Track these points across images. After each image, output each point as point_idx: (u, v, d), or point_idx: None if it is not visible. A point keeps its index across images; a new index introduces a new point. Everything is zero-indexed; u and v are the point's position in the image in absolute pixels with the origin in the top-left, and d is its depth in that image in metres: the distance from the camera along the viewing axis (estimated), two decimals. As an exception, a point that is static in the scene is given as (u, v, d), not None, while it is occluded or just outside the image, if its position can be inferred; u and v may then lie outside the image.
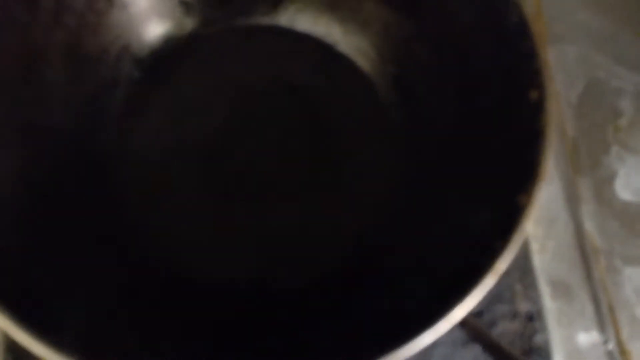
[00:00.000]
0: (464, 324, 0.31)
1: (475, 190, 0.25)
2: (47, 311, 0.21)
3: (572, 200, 0.36)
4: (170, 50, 0.32)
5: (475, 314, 0.32)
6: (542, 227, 0.35)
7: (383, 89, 0.33)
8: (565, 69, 0.39)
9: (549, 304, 0.33)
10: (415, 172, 0.29)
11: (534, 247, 0.35)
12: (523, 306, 0.33)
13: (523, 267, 0.33)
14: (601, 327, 0.33)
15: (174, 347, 0.24)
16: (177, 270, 0.28)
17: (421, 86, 0.31)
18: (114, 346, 0.22)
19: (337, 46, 0.34)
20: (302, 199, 0.31)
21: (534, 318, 0.32)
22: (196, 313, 0.27)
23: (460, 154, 0.27)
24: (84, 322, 0.22)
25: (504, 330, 0.32)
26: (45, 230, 0.25)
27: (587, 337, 0.33)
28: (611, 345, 0.33)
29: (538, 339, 0.32)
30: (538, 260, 0.34)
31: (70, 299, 0.23)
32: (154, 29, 0.32)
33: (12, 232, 0.24)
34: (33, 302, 0.21)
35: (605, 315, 0.34)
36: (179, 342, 0.25)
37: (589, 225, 0.35)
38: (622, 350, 0.33)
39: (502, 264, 0.21)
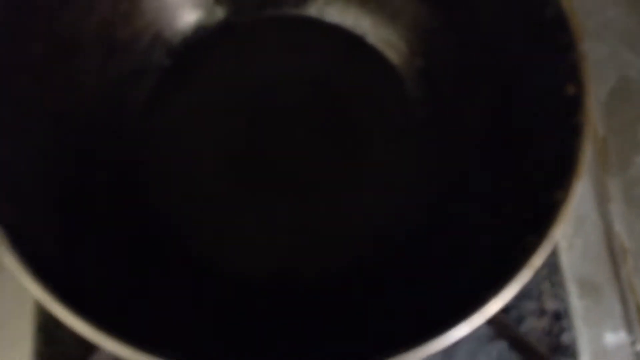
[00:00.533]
0: (491, 320, 0.31)
1: (509, 187, 0.25)
2: (85, 289, 0.21)
3: (602, 200, 0.36)
4: (201, 39, 0.32)
5: (503, 310, 0.31)
6: (570, 226, 0.35)
7: (410, 82, 0.33)
8: (595, 66, 0.38)
9: (577, 303, 0.33)
10: (444, 167, 0.29)
11: (562, 246, 0.34)
12: (550, 304, 0.32)
13: (551, 265, 0.33)
14: (629, 327, 0.33)
15: (196, 337, 0.24)
16: (200, 261, 0.28)
17: (449, 80, 0.31)
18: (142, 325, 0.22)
19: (366, 38, 0.33)
20: (327, 193, 0.31)
21: (561, 316, 0.32)
22: (221, 304, 0.27)
23: (492, 150, 0.27)
24: (115, 303, 0.22)
25: (531, 328, 0.32)
26: (76, 215, 0.26)
27: (615, 338, 0.33)
28: (639, 346, 0.33)
29: (565, 337, 0.32)
30: (566, 259, 0.34)
31: (106, 285, 0.23)
32: (186, 17, 0.32)
33: (46, 213, 0.24)
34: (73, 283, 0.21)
35: (633, 316, 0.33)
36: (202, 332, 0.25)
37: (618, 225, 0.35)
38: (650, 352, 0.33)
39: (538, 259, 0.21)
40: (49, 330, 0.30)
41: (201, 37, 0.32)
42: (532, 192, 0.23)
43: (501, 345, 0.31)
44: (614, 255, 0.34)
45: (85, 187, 0.27)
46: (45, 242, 0.22)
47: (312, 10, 0.34)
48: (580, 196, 0.35)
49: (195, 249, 0.29)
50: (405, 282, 0.25)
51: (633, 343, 0.33)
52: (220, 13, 0.32)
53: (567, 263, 0.34)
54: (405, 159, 0.31)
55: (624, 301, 0.34)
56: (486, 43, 0.28)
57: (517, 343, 0.31)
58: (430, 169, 0.30)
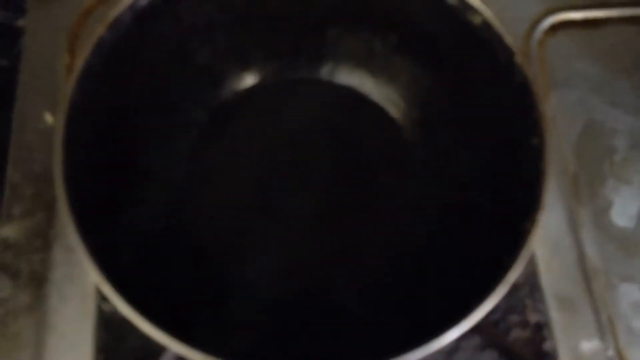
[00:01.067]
0: (482, 331, 0.36)
1: (490, 218, 0.31)
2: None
3: (574, 227, 0.41)
4: (234, 100, 0.39)
5: (493, 323, 0.37)
6: (548, 250, 0.40)
7: (409, 131, 0.39)
8: (566, 111, 0.44)
9: (556, 316, 0.38)
10: (438, 203, 0.35)
11: (542, 267, 0.39)
12: (533, 317, 0.38)
13: (532, 284, 0.38)
14: (602, 336, 0.38)
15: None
16: (241, 285, 0.34)
17: (441, 129, 0.37)
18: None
19: (370, 95, 0.40)
20: (343, 223, 0.37)
21: (542, 328, 0.37)
22: (254, 320, 0.33)
23: (476, 187, 0.33)
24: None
25: (517, 338, 0.37)
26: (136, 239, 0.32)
27: (590, 345, 0.38)
28: (611, 352, 0.38)
29: (546, 345, 0.37)
30: (545, 278, 0.39)
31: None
32: (221, 82, 0.39)
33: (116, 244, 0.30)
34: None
35: (605, 326, 0.38)
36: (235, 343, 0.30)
37: (589, 248, 0.40)
38: (620, 357, 0.38)
39: (512, 276, 0.26)
40: (107, 352, 0.34)
41: (235, 97, 0.39)
42: (507, 224, 0.29)
43: (492, 354, 0.36)
44: (586, 274, 0.39)
45: (147, 225, 0.33)
46: (117, 259, 0.28)
47: (324, 73, 0.40)
48: (555, 224, 0.41)
49: (233, 274, 0.35)
50: (408, 297, 0.31)
51: (605, 349, 0.38)
52: (249, 79, 0.39)
53: (547, 282, 0.39)
54: (406, 195, 0.37)
55: (597, 313, 0.38)
56: (469, 100, 0.34)
57: (506, 351, 0.36)
58: (426, 203, 0.36)
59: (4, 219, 0.37)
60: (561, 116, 0.44)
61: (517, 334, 0.37)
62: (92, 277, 0.26)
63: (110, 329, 0.35)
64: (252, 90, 0.39)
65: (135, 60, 0.32)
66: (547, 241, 0.40)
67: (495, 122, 0.33)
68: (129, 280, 0.27)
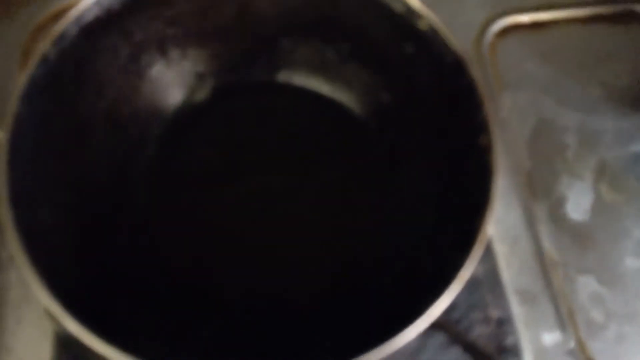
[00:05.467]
0: (445, 329, 0.37)
1: (443, 217, 0.31)
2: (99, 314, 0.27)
3: (531, 222, 0.42)
4: (189, 111, 0.39)
5: (455, 321, 0.37)
6: (507, 246, 0.41)
7: (365, 133, 0.40)
8: (518, 111, 0.46)
9: (517, 310, 0.39)
10: (390, 203, 0.36)
11: (501, 264, 0.40)
12: (494, 313, 0.38)
13: (492, 280, 0.39)
14: (562, 328, 0.39)
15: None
16: (202, 292, 0.34)
17: (395, 133, 0.38)
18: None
19: (328, 96, 0.40)
20: (303, 226, 0.37)
21: (504, 323, 0.38)
22: (216, 322, 0.33)
23: (427, 187, 0.34)
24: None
25: (480, 334, 0.37)
26: (92, 258, 0.31)
27: (551, 337, 0.39)
28: (572, 344, 0.39)
29: (509, 340, 0.38)
30: (505, 274, 0.40)
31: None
32: (175, 95, 0.38)
33: (68, 265, 0.30)
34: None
35: (565, 318, 0.39)
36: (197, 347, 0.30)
37: (547, 242, 0.41)
38: (581, 347, 0.39)
39: (465, 273, 0.27)
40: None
41: (190, 109, 0.39)
42: (459, 221, 0.29)
43: (457, 350, 0.37)
44: (545, 268, 0.41)
45: (102, 238, 0.32)
46: (70, 281, 0.28)
47: (280, 80, 0.41)
48: (513, 221, 0.42)
49: (197, 281, 0.34)
50: (366, 299, 0.31)
51: (567, 341, 0.39)
52: (203, 90, 0.39)
53: (507, 277, 0.40)
54: (368, 194, 0.38)
55: (556, 306, 0.39)
56: (420, 105, 0.35)
57: (470, 348, 0.37)
58: (380, 203, 0.37)
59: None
60: (514, 116, 0.45)
61: (480, 330, 0.37)
62: (41, 299, 0.26)
63: (69, 350, 0.34)
64: (208, 100, 0.39)
65: (83, 75, 0.32)
66: (506, 237, 0.41)
67: (445, 124, 0.33)
68: (81, 300, 0.27)
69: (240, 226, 0.37)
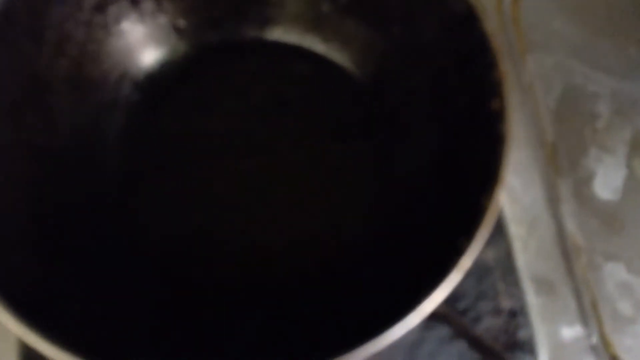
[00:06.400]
0: (448, 320, 0.33)
1: (444, 193, 0.27)
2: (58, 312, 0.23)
3: (553, 201, 0.38)
4: (166, 73, 0.35)
5: (461, 311, 0.33)
6: (524, 227, 0.37)
7: (367, 94, 0.35)
8: (543, 75, 0.41)
9: (533, 301, 0.35)
10: (391, 174, 0.31)
11: (517, 247, 0.36)
12: (506, 303, 0.34)
13: (505, 266, 0.35)
14: (584, 321, 0.35)
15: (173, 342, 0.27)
16: (179, 272, 0.31)
17: (394, 95, 0.33)
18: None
19: (324, 56, 0.36)
20: (289, 206, 0.33)
21: (517, 314, 0.34)
22: (195, 311, 0.29)
23: (431, 157, 0.29)
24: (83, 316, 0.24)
25: (489, 326, 0.33)
26: (56, 243, 0.28)
27: (571, 332, 0.35)
28: (594, 339, 0.34)
29: (522, 333, 0.34)
30: (521, 259, 0.36)
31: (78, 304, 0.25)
32: (150, 54, 0.34)
33: (26, 248, 0.26)
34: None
35: (587, 310, 0.35)
36: (179, 337, 0.27)
37: (570, 224, 0.37)
38: (606, 343, 0.34)
39: (467, 261, 0.23)
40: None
41: (167, 70, 0.34)
42: (463, 199, 0.25)
43: (461, 345, 0.33)
44: (567, 253, 0.36)
45: (65, 216, 0.29)
46: (23, 274, 0.24)
47: (270, 37, 0.36)
48: (532, 198, 0.38)
49: (179, 265, 0.31)
50: (352, 285, 0.27)
51: (589, 336, 0.35)
52: (182, 48, 0.35)
53: (523, 263, 0.36)
54: (360, 168, 0.34)
55: (578, 296, 0.35)
56: (423, 63, 0.30)
57: (476, 342, 0.33)
58: (380, 175, 0.32)
59: None
60: (538, 81, 0.41)
61: (488, 322, 0.33)
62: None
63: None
64: (187, 60, 0.35)
65: (39, 26, 0.28)
66: (524, 218, 0.37)
67: (452, 85, 0.29)
68: (38, 299, 0.24)
69: (225, 203, 0.33)
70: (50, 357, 0.21)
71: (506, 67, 0.26)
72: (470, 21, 0.27)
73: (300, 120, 0.35)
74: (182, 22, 0.35)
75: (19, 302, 0.22)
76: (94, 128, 0.32)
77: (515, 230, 0.36)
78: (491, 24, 0.27)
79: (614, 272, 0.36)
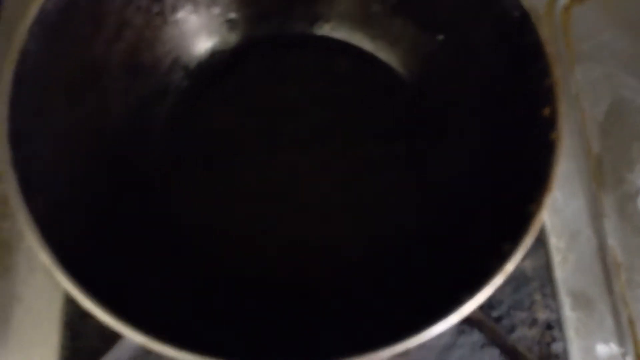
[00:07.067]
0: (482, 327, 0.32)
1: (488, 197, 0.27)
2: (112, 285, 0.24)
3: (596, 216, 0.37)
4: (216, 62, 0.35)
5: (495, 318, 0.33)
6: (564, 241, 0.36)
7: (414, 94, 0.35)
8: (591, 87, 0.40)
9: (569, 314, 0.34)
10: (432, 176, 0.31)
11: (555, 260, 0.35)
12: (542, 314, 0.34)
13: (544, 277, 0.35)
14: (620, 339, 0.34)
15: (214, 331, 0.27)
16: (219, 265, 0.31)
17: (442, 97, 0.33)
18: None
19: (372, 54, 0.36)
20: (328, 202, 0.33)
21: (552, 326, 0.33)
22: (233, 302, 0.30)
23: (476, 165, 0.29)
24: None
25: (522, 336, 0.33)
26: (104, 217, 0.29)
27: (606, 349, 0.34)
28: (629, 358, 0.34)
29: (556, 347, 0.33)
30: (559, 272, 0.35)
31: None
32: (202, 44, 0.35)
33: (80, 214, 0.27)
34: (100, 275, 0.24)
35: (624, 328, 0.34)
36: (220, 327, 0.27)
37: (612, 240, 0.36)
38: (641, 363, 0.34)
39: (510, 266, 0.22)
40: (74, 327, 0.32)
41: (217, 60, 0.35)
42: (510, 205, 0.25)
43: (493, 353, 0.33)
44: (606, 269, 0.36)
45: (113, 192, 0.30)
46: (76, 240, 0.25)
47: (319, 31, 0.36)
48: (574, 212, 0.37)
49: (211, 250, 0.31)
50: (395, 284, 0.27)
51: (624, 355, 0.34)
52: (233, 39, 0.36)
53: (561, 275, 0.35)
54: (403, 168, 0.34)
55: (615, 313, 0.35)
56: (474, 66, 0.30)
57: (508, 350, 0.32)
58: (422, 179, 0.32)
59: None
60: (586, 93, 0.40)
61: (522, 332, 0.33)
62: (34, 249, 0.24)
63: (78, 305, 0.32)
64: (237, 52, 0.36)
65: (100, 12, 0.29)
66: (564, 230, 0.36)
67: (503, 89, 0.28)
68: (87, 261, 0.24)
69: (263, 197, 0.33)
70: (91, 312, 0.23)
71: (559, 74, 0.25)
72: (525, 27, 0.27)
73: (344, 117, 0.35)
74: (234, 15, 0.35)
75: (69, 259, 0.23)
76: (144, 112, 0.33)
77: (555, 242, 0.36)
78: (545, 31, 0.26)
79: (655, 292, 0.35)
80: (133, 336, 0.22)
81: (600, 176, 0.38)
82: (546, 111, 0.25)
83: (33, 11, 0.26)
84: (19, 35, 0.26)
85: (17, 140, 0.25)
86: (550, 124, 0.25)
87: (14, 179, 0.24)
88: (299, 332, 0.27)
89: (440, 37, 0.32)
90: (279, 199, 0.33)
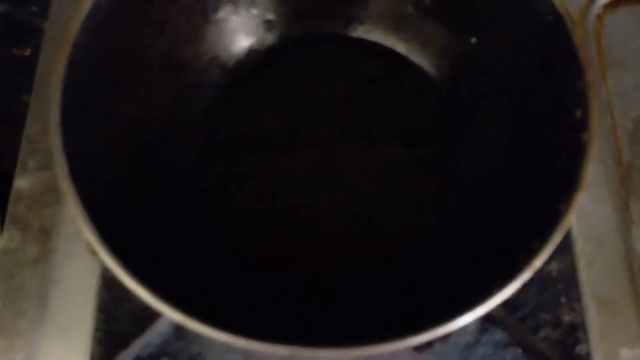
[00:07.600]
0: (506, 326, 0.33)
1: (521, 196, 0.27)
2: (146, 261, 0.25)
3: (624, 222, 0.37)
4: (253, 61, 0.37)
5: (519, 318, 0.33)
6: (590, 244, 0.36)
7: (444, 96, 0.36)
8: (623, 94, 0.40)
9: (594, 318, 0.34)
10: (467, 177, 0.32)
11: (581, 263, 0.35)
12: (566, 316, 0.34)
13: (569, 279, 0.35)
14: (645, 345, 0.34)
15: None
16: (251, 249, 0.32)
17: (474, 97, 0.34)
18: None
19: (405, 56, 0.37)
20: (356, 195, 0.34)
21: (576, 329, 0.34)
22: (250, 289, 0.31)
23: (507, 163, 0.29)
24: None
25: (546, 337, 0.33)
26: (144, 201, 0.30)
27: (630, 353, 0.34)
28: (655, 364, 0.34)
29: (580, 349, 0.33)
30: (584, 275, 0.35)
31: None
32: (240, 43, 0.36)
33: (123, 201, 0.29)
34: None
35: (650, 334, 0.34)
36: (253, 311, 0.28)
37: (639, 247, 0.36)
38: (666, 370, 0.33)
39: (539, 261, 0.23)
40: (108, 311, 0.34)
41: (254, 59, 0.37)
42: (539, 204, 0.25)
43: (515, 352, 0.33)
44: (633, 274, 0.35)
45: (151, 179, 0.31)
46: (118, 223, 0.27)
47: (354, 32, 0.37)
48: (602, 217, 0.37)
49: (244, 241, 0.33)
50: (424, 277, 0.28)
51: (649, 360, 0.34)
52: (270, 39, 0.37)
53: (586, 279, 0.35)
54: (432, 167, 0.34)
55: (641, 319, 0.35)
56: (505, 68, 0.31)
57: (531, 350, 0.33)
58: (452, 176, 0.33)
59: (19, 171, 0.37)
60: (617, 99, 0.40)
61: (546, 333, 0.33)
62: (85, 234, 0.25)
63: (112, 290, 0.34)
64: (274, 51, 0.37)
65: (146, 9, 0.31)
66: (591, 234, 0.36)
67: (534, 91, 0.29)
68: (129, 242, 0.26)
69: (291, 189, 0.34)
70: (133, 291, 0.24)
71: (592, 78, 0.26)
72: (559, 31, 0.27)
73: (374, 118, 0.36)
74: (271, 16, 0.37)
75: (113, 241, 0.24)
76: (183, 105, 0.34)
77: (582, 246, 0.36)
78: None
79: (682, 300, 0.35)
80: (172, 314, 0.23)
81: (629, 183, 0.38)
82: (578, 113, 0.26)
83: (86, 5, 0.28)
84: (72, 29, 0.27)
85: (67, 129, 0.26)
86: (583, 125, 0.25)
87: (64, 163, 0.25)
88: (328, 319, 0.28)
89: (474, 39, 0.32)
90: (307, 192, 0.34)
